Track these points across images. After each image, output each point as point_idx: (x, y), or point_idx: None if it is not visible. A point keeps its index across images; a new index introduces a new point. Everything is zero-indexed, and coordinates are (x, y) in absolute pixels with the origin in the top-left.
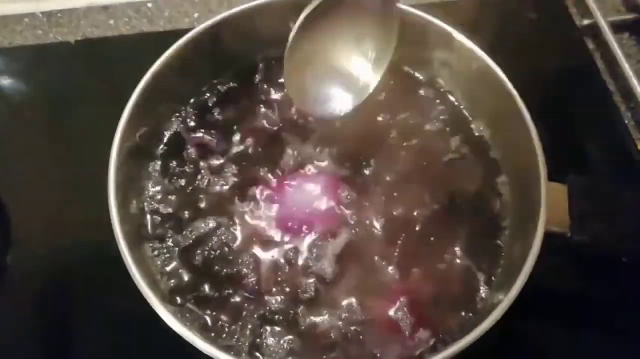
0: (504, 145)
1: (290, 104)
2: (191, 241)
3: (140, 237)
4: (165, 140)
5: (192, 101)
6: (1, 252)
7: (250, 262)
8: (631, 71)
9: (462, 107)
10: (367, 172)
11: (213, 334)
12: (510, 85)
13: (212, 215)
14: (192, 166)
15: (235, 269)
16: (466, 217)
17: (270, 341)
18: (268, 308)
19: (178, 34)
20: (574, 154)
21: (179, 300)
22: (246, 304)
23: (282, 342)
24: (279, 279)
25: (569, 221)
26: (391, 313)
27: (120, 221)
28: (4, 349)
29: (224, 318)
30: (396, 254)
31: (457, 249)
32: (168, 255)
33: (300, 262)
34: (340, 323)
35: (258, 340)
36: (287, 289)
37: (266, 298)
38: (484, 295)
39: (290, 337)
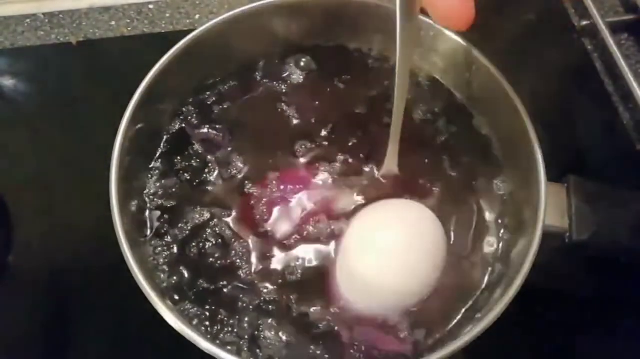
0: (503, 144)
1: (290, 104)
2: (187, 233)
3: (141, 235)
4: (167, 139)
5: (193, 101)
6: (3, 251)
7: (244, 252)
8: (629, 72)
9: (463, 104)
10: (366, 168)
11: (213, 332)
12: (508, 86)
13: (210, 208)
14: (195, 162)
15: (229, 260)
16: (465, 216)
17: (268, 334)
18: (263, 298)
19: (179, 35)
20: (572, 154)
21: (179, 298)
22: (241, 295)
23: (280, 334)
24: (274, 268)
25: (567, 221)
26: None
27: (121, 220)
28: (6, 349)
29: (222, 312)
30: None
31: (456, 248)
32: (168, 253)
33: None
34: (338, 317)
35: (256, 333)
36: (281, 280)
37: (260, 288)
38: (482, 294)
39: (288, 329)
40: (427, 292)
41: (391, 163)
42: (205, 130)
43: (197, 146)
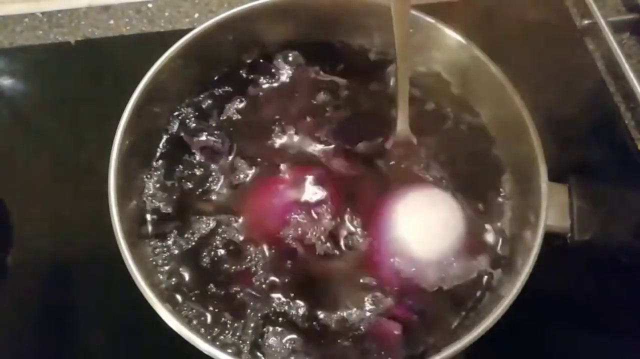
0: (506, 144)
1: (288, 104)
2: (193, 240)
3: (140, 236)
4: (165, 139)
5: (192, 100)
6: (2, 252)
7: (256, 260)
8: (631, 71)
9: (465, 104)
10: (368, 165)
11: (214, 333)
12: (509, 85)
13: (213, 214)
14: (193, 165)
15: (238, 268)
16: (467, 215)
17: (272, 340)
18: (273, 308)
19: (178, 34)
20: (574, 154)
21: (179, 299)
22: (252, 303)
23: (284, 341)
24: (285, 274)
25: (569, 221)
26: (393, 312)
27: (120, 220)
28: (5, 349)
29: (226, 315)
30: None
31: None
32: (168, 254)
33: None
34: (345, 321)
35: (260, 339)
36: (295, 286)
37: (271, 296)
38: (484, 294)
39: (293, 336)
40: (451, 254)
41: (403, 124)
42: (204, 138)
43: (194, 149)
